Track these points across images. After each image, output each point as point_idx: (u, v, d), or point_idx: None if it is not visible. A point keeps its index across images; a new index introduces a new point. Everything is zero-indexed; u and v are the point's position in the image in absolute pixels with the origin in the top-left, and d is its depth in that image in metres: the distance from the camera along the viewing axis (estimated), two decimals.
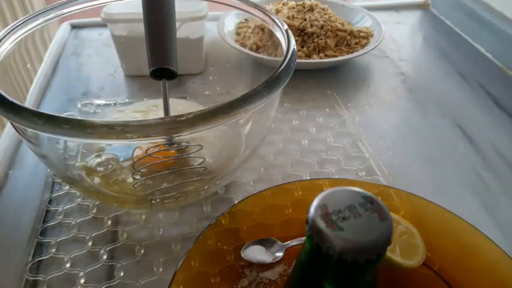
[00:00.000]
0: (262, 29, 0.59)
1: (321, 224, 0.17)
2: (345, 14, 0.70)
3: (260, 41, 0.58)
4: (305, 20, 0.64)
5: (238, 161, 0.41)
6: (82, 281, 0.34)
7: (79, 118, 0.42)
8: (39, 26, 0.41)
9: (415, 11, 0.83)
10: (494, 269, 0.31)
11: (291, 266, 0.21)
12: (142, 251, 0.37)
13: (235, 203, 0.36)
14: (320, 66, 0.61)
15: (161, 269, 0.35)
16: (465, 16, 0.74)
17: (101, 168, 0.41)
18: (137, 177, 0.39)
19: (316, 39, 0.62)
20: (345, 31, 0.64)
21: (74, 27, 0.71)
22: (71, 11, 0.44)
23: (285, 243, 0.34)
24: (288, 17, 0.65)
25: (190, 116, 0.28)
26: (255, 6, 0.43)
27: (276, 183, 0.42)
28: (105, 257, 0.36)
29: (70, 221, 0.39)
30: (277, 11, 0.68)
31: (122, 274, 0.35)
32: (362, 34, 0.65)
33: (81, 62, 0.61)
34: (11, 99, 0.29)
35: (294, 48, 0.36)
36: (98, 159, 0.42)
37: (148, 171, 0.39)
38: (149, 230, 0.39)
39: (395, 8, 0.83)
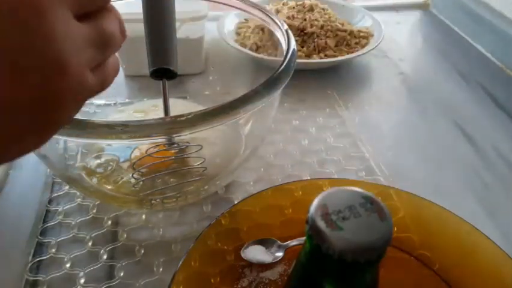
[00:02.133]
0: (262, 29, 0.59)
1: (321, 224, 0.17)
2: (345, 14, 0.70)
3: (260, 41, 0.58)
4: (305, 20, 0.64)
5: (238, 161, 0.41)
6: (82, 281, 0.34)
7: (79, 118, 0.42)
8: None
9: (415, 11, 0.83)
10: (494, 269, 0.31)
11: (291, 266, 0.21)
12: (142, 251, 0.37)
13: (235, 203, 0.36)
14: (320, 66, 0.61)
15: (161, 269, 0.35)
16: (465, 16, 0.74)
17: (101, 169, 0.41)
18: (137, 177, 0.39)
19: (316, 39, 0.62)
20: (345, 31, 0.64)
21: None
22: None
23: (285, 243, 0.34)
24: (288, 17, 0.65)
25: (190, 116, 0.28)
26: (255, 6, 0.43)
27: (276, 183, 0.42)
28: (105, 257, 0.36)
29: (70, 221, 0.39)
30: (277, 11, 0.68)
31: (122, 274, 0.35)
32: (362, 34, 0.65)
33: None
34: None
35: (294, 48, 0.36)
36: (98, 160, 0.42)
37: (148, 171, 0.39)
38: (149, 230, 0.38)
39: (395, 8, 0.83)
